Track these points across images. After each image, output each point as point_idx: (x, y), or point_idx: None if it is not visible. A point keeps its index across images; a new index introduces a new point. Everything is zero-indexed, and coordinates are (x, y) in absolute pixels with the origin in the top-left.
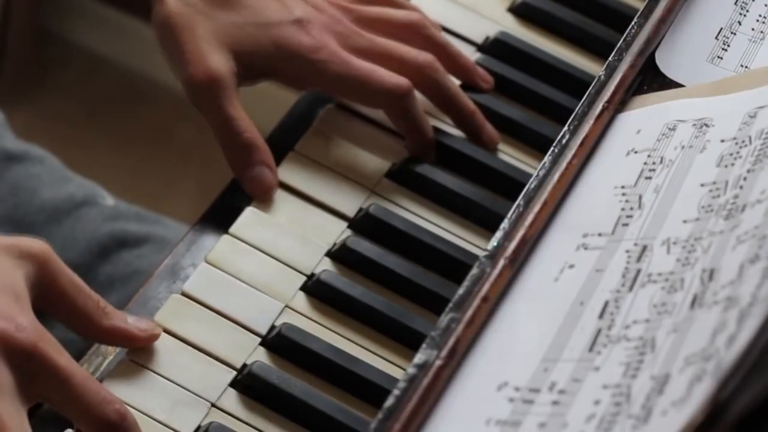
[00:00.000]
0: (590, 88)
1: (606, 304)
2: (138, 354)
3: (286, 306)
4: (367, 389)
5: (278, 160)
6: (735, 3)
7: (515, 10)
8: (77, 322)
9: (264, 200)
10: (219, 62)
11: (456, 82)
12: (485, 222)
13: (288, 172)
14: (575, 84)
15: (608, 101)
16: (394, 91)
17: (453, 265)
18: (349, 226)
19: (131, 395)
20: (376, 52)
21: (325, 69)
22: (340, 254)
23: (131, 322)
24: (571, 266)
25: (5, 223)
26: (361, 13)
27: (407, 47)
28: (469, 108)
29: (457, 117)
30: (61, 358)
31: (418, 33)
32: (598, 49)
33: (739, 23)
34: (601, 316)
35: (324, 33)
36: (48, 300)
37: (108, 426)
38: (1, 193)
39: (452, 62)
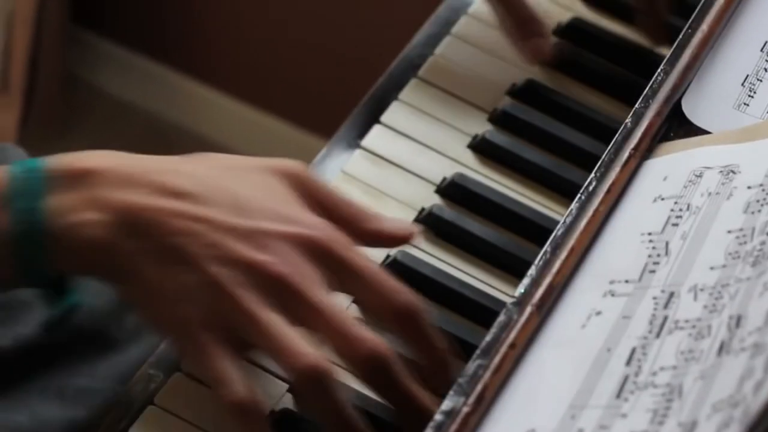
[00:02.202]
0: (617, 135)
1: (633, 350)
2: None
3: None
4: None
5: None
6: (761, 50)
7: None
8: (341, 228)
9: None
10: None
11: None
12: (512, 268)
13: None
14: (602, 131)
15: (635, 148)
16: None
17: (480, 311)
18: None
19: None
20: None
21: None
22: None
23: (390, 222)
24: (598, 313)
25: None
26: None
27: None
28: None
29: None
30: (351, 253)
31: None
32: (625, 96)
33: (766, 70)
34: (628, 362)
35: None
36: (312, 211)
37: (399, 312)
38: None
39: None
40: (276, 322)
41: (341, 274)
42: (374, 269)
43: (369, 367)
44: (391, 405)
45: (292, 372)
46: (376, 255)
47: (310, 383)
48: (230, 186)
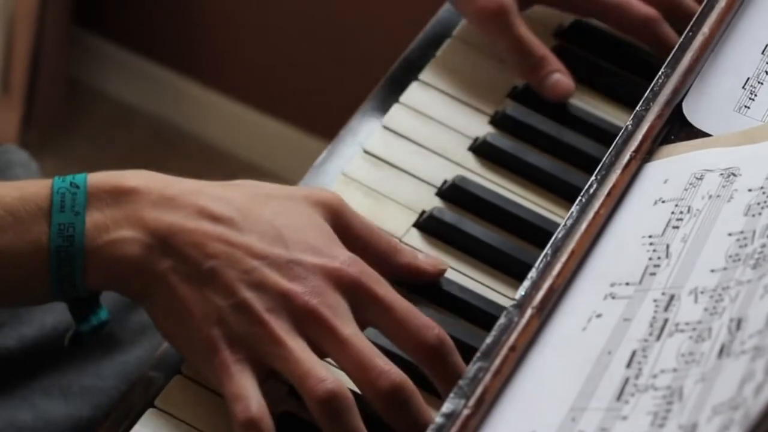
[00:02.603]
0: (618, 138)
1: (633, 353)
2: None
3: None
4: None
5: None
6: (762, 52)
7: None
8: (373, 261)
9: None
10: None
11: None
12: (513, 271)
13: None
14: (603, 134)
15: (635, 151)
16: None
17: (480, 314)
18: None
19: None
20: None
21: None
22: None
23: (421, 258)
24: (599, 315)
25: None
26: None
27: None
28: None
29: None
30: (382, 287)
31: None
32: (626, 99)
33: (766, 73)
34: (628, 365)
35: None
36: (345, 243)
37: (429, 349)
38: None
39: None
40: (299, 348)
41: (372, 308)
42: (405, 305)
43: (389, 399)
44: None
45: (310, 396)
46: None
47: (327, 409)
48: (268, 214)
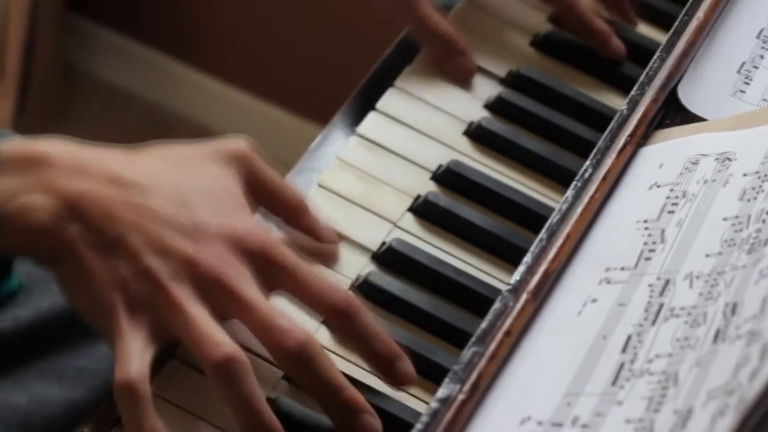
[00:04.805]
0: (613, 122)
1: (629, 338)
2: None
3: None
4: (390, 423)
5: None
6: (757, 37)
7: (538, 44)
8: (280, 214)
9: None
10: None
11: None
12: (508, 255)
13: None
14: (598, 118)
15: (631, 135)
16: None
17: (476, 299)
18: (371, 261)
19: None
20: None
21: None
22: (362, 289)
23: (321, 223)
24: (594, 300)
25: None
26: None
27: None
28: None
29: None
30: (286, 254)
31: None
32: (621, 84)
33: (762, 57)
34: (623, 350)
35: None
36: (255, 195)
37: (337, 311)
38: None
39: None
40: (199, 314)
41: (277, 274)
42: (308, 269)
43: (295, 358)
44: (318, 402)
45: (206, 361)
46: (370, 242)
47: (223, 373)
48: (178, 178)
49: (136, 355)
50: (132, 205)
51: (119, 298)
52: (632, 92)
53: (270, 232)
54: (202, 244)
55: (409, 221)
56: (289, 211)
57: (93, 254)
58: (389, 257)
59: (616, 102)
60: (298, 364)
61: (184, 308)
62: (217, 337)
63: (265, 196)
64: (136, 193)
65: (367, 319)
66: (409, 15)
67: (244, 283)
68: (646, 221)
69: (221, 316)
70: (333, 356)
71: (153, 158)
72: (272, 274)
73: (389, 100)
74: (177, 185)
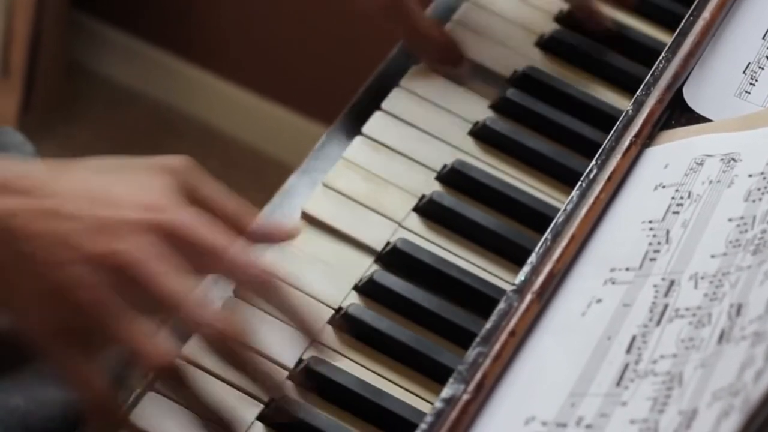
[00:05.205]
0: (618, 122)
1: (633, 338)
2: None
3: (314, 340)
4: (395, 423)
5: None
6: (763, 37)
7: (543, 45)
8: (225, 224)
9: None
10: None
11: None
12: (513, 256)
13: (316, 205)
14: (603, 118)
15: (636, 136)
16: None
17: (480, 299)
18: (376, 261)
19: None
20: None
21: None
22: (367, 288)
23: (272, 223)
24: (599, 301)
25: None
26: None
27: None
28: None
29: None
30: (207, 234)
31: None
32: (626, 84)
33: (767, 58)
34: (628, 350)
35: None
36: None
37: (257, 286)
38: None
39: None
40: (125, 323)
41: (198, 256)
42: (227, 248)
43: (216, 344)
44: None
45: (150, 371)
46: (375, 242)
47: (167, 379)
48: (95, 182)
49: (90, 374)
50: (38, 210)
51: (40, 320)
52: (638, 93)
53: (195, 214)
54: (116, 237)
55: (414, 221)
56: (232, 224)
57: (10, 274)
58: (394, 257)
59: (622, 102)
60: (222, 345)
61: (107, 319)
62: (151, 346)
63: (204, 205)
64: (39, 197)
65: (283, 294)
66: (401, 25)
67: (165, 271)
68: (651, 222)
69: (150, 309)
70: (336, 356)
71: (81, 169)
72: (195, 255)
73: (394, 100)
74: (89, 187)
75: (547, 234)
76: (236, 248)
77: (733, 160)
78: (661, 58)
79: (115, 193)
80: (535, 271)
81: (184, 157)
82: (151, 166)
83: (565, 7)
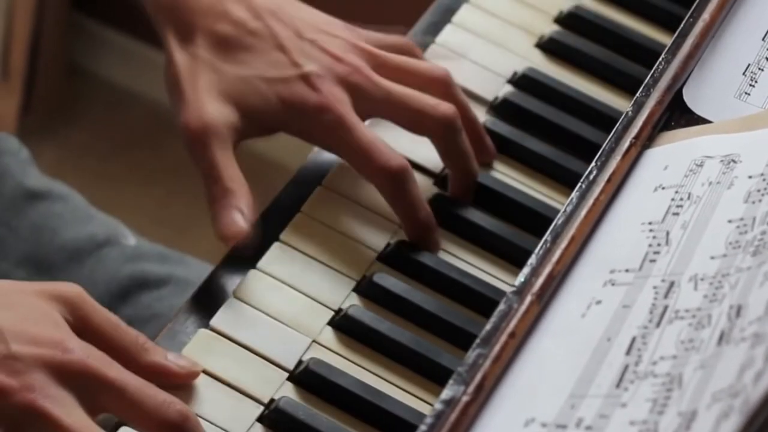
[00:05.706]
0: (618, 124)
1: (633, 340)
2: (167, 389)
3: (314, 341)
4: (394, 425)
5: (306, 194)
6: (763, 39)
7: (543, 46)
8: (116, 359)
9: (229, 243)
10: (215, 112)
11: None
12: (512, 258)
13: (316, 206)
14: (603, 120)
15: (636, 137)
16: (387, 169)
17: (480, 300)
18: (377, 261)
19: None
20: (392, 103)
21: (328, 133)
22: (367, 289)
23: (171, 358)
24: (598, 302)
25: (26, 263)
26: (384, 60)
27: (427, 98)
28: (474, 173)
29: (458, 177)
30: (112, 370)
31: (441, 89)
32: (626, 85)
33: (767, 59)
34: (628, 352)
35: (335, 87)
36: (85, 338)
37: (172, 427)
38: (22, 232)
39: (468, 125)
40: None
41: (103, 394)
42: (139, 384)
43: None
44: None
45: None
46: (375, 244)
47: None
48: None
49: None
50: None
51: None
52: (637, 94)
53: (92, 349)
54: (15, 374)
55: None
56: (126, 352)
57: None
58: (394, 258)
59: (621, 104)
60: None
61: None
62: None
63: (96, 337)
64: None
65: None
66: (200, 161)
67: (63, 407)
68: (650, 223)
69: None
70: (336, 357)
71: None
72: (97, 393)
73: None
74: None
75: (547, 235)
76: (142, 385)
77: (733, 161)
78: (660, 59)
79: (5, 322)
80: (534, 272)
81: (73, 284)
82: (42, 292)
83: (565, 8)
